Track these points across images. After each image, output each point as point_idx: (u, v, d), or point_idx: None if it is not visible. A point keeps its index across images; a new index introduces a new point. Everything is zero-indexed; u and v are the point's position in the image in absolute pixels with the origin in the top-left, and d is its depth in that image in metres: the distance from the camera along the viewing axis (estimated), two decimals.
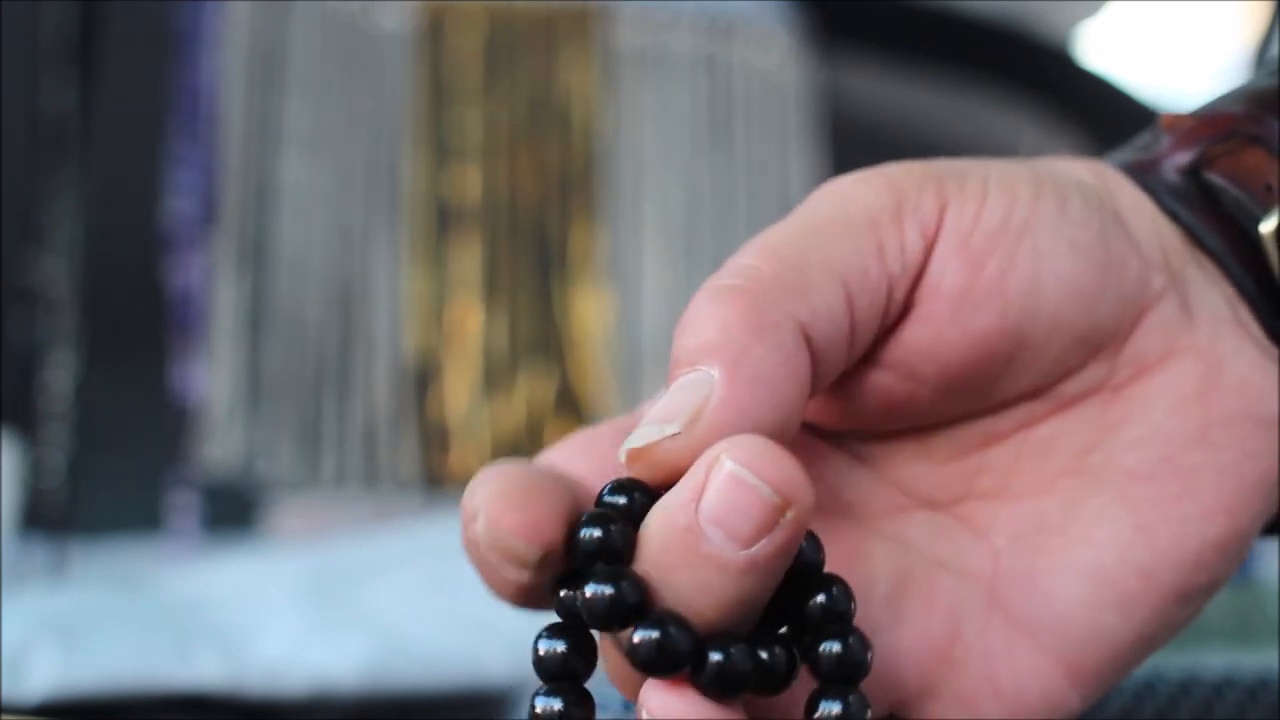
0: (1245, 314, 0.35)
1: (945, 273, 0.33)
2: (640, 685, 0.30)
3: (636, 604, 0.29)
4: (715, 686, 0.29)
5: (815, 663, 0.30)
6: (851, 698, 0.30)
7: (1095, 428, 0.34)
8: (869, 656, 0.30)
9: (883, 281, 0.32)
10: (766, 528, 0.29)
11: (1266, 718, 0.48)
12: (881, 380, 0.33)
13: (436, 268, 0.96)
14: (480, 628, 0.66)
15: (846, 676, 0.30)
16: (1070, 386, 0.34)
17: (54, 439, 0.91)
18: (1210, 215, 0.35)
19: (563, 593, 0.30)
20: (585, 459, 0.33)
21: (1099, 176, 0.36)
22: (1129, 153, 0.37)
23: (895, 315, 0.33)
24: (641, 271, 0.99)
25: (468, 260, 0.97)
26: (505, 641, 0.66)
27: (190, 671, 0.63)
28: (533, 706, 0.30)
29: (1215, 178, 0.35)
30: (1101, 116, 1.17)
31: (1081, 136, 1.15)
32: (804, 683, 0.30)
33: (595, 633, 0.31)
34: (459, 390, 0.95)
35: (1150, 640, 0.34)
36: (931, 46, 1.19)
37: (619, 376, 0.97)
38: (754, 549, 0.29)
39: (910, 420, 0.34)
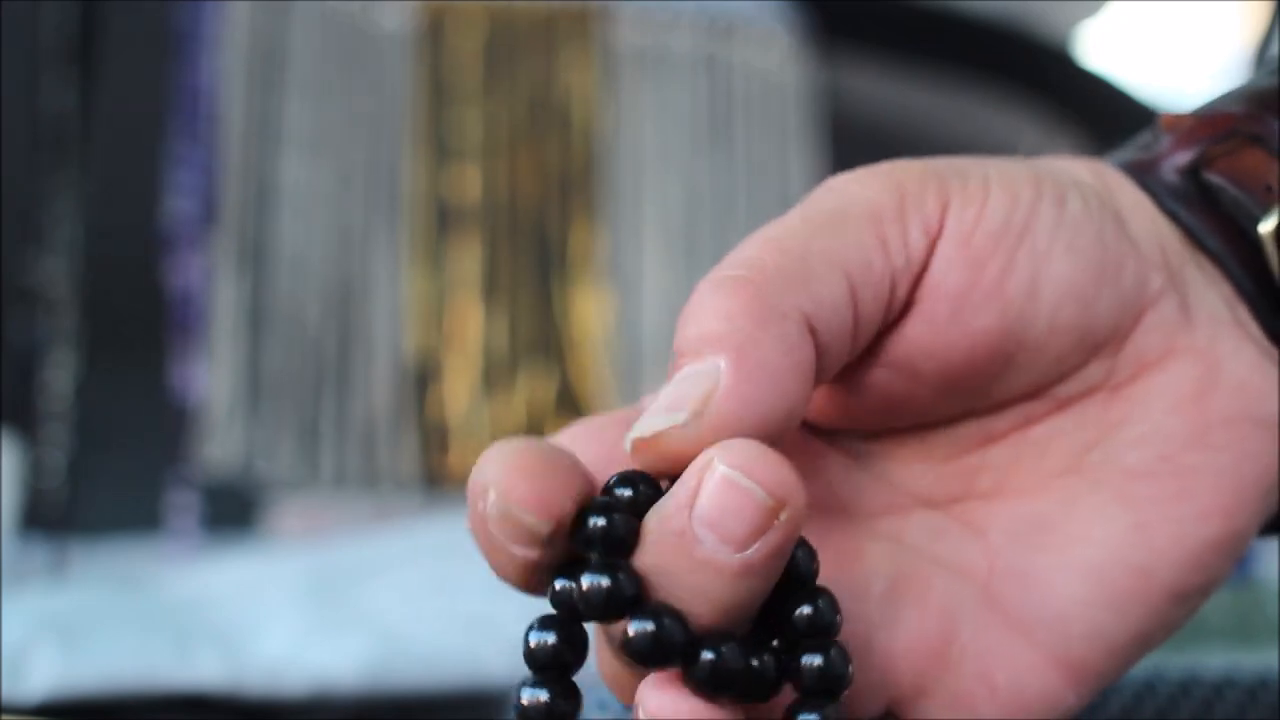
0: (1244, 314, 0.35)
1: (947, 272, 0.33)
2: (634, 687, 0.30)
3: (633, 596, 0.29)
4: (706, 683, 0.29)
5: (797, 674, 0.30)
6: (829, 709, 0.30)
7: (1094, 427, 0.34)
8: (849, 670, 0.30)
9: (886, 275, 0.32)
10: (760, 530, 0.29)
11: (1266, 718, 0.48)
12: (880, 378, 0.33)
13: (436, 268, 0.96)
14: (480, 628, 0.66)
15: (827, 690, 0.30)
16: (1069, 386, 0.34)
17: (54, 439, 0.91)
18: (1210, 215, 0.35)
19: (559, 584, 0.30)
20: (588, 446, 0.32)
21: (1099, 176, 0.36)
22: (1129, 152, 0.37)
23: (897, 311, 0.33)
24: (641, 271, 0.99)
25: (468, 260, 0.97)
26: (505, 641, 0.66)
27: (190, 671, 0.63)
28: (519, 698, 0.30)
29: (1215, 178, 0.35)
30: (1101, 116, 1.17)
31: (1081, 136, 1.15)
32: (787, 694, 0.30)
33: (589, 629, 0.31)
34: (459, 390, 0.95)
35: (1147, 639, 0.34)
36: (931, 46, 1.19)
37: (619, 376, 0.97)
38: (748, 552, 0.29)
39: (908, 418, 0.34)
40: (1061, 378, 0.34)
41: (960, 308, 0.33)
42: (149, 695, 0.63)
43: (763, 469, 0.29)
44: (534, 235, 0.98)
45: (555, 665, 0.30)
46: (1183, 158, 0.36)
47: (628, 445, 0.31)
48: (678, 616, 0.29)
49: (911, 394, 0.34)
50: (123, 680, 0.62)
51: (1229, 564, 0.34)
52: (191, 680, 0.63)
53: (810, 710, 0.30)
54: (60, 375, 0.92)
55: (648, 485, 0.30)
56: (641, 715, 0.29)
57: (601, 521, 0.30)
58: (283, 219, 0.94)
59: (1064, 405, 0.34)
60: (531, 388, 0.96)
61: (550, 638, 0.30)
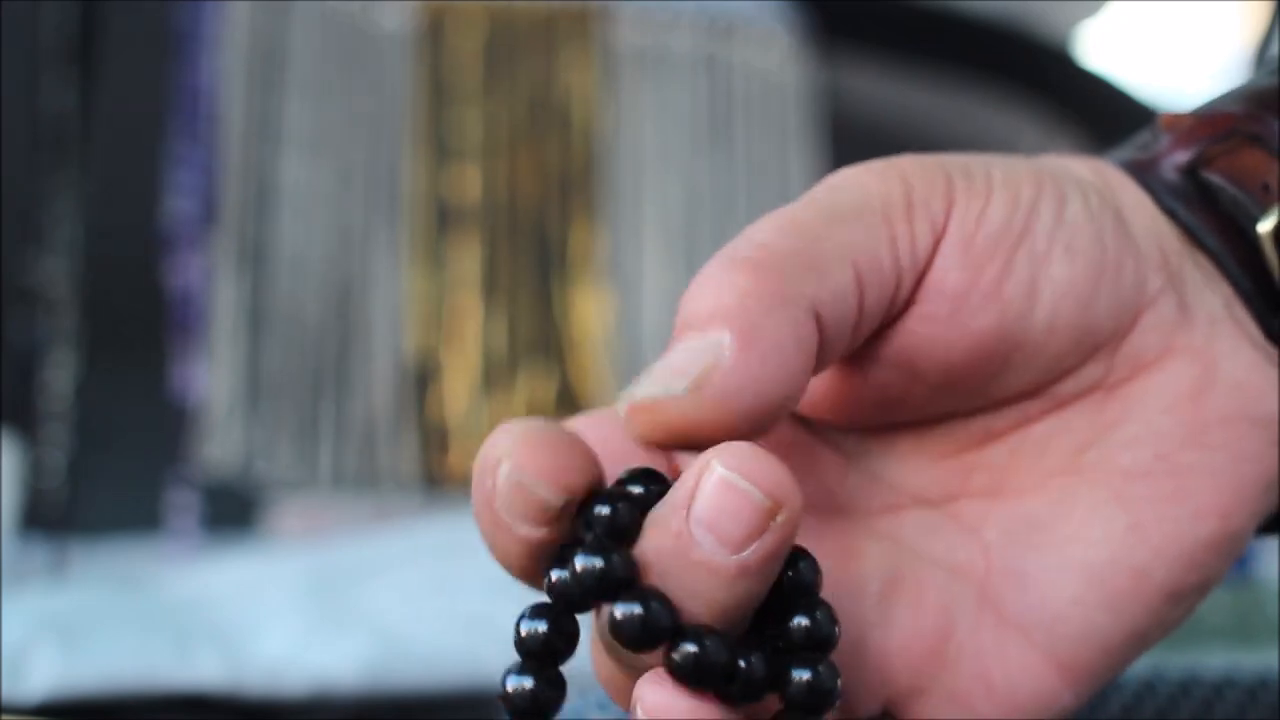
0: (1242, 313, 0.35)
1: (949, 272, 0.33)
2: (629, 689, 0.30)
3: (625, 578, 0.29)
4: (687, 673, 0.29)
5: (785, 684, 0.30)
6: None
7: (1091, 426, 0.34)
8: (837, 687, 0.30)
9: (893, 272, 0.32)
10: (757, 532, 0.29)
11: (1266, 718, 0.48)
12: (878, 375, 0.34)
13: (436, 268, 0.96)
14: (480, 628, 0.66)
15: (812, 705, 0.30)
16: (1067, 386, 0.34)
17: (54, 439, 0.91)
18: (1208, 214, 0.35)
19: (554, 574, 0.30)
20: (589, 439, 0.32)
21: (1100, 175, 0.36)
22: (1127, 151, 0.37)
23: (898, 309, 0.33)
24: (641, 271, 0.99)
25: (467, 260, 0.97)
26: (505, 641, 0.65)
27: (190, 671, 0.63)
28: (504, 684, 0.30)
29: (1214, 177, 0.35)
30: (1101, 116, 1.17)
31: (1081, 136, 1.15)
32: (776, 703, 0.30)
33: (582, 623, 0.31)
34: (459, 390, 0.95)
35: (1142, 638, 0.34)
36: (931, 46, 1.19)
37: (619, 376, 0.97)
38: (744, 554, 0.29)
39: (906, 417, 0.35)
40: (1059, 377, 0.34)
41: (959, 308, 0.33)
42: (149, 695, 0.63)
43: (760, 470, 0.29)
44: (534, 235, 0.98)
45: (544, 654, 0.30)
46: (1182, 157, 0.36)
47: (620, 409, 0.31)
48: (666, 601, 0.29)
49: (909, 391, 0.34)
50: (123, 680, 0.62)
51: (1225, 563, 0.34)
52: (191, 680, 0.63)
53: None
54: (60, 375, 0.92)
55: (658, 484, 0.30)
56: (640, 713, 0.29)
57: (606, 510, 0.30)
58: (283, 219, 0.94)
59: (1061, 405, 0.34)
60: (531, 388, 0.96)
61: (541, 625, 0.30)
